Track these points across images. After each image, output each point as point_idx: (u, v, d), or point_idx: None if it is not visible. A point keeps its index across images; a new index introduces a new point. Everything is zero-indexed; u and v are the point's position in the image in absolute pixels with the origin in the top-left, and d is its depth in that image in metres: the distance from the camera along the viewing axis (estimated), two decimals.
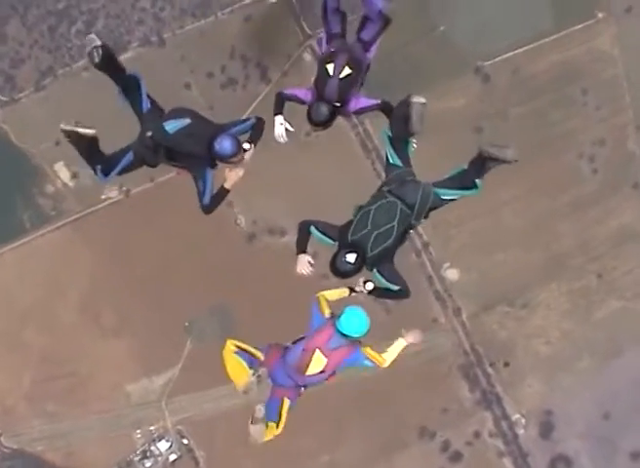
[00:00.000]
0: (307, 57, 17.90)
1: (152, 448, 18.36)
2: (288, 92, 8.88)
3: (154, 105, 8.31)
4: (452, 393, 18.00)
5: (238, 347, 7.70)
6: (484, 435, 18.15)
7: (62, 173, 18.10)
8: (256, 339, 7.80)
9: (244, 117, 8.37)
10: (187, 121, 7.82)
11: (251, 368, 7.54)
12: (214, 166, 7.99)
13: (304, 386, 7.48)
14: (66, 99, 17.88)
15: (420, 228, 17.63)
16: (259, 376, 7.72)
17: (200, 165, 7.92)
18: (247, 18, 17.62)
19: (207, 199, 8.01)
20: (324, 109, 8.14)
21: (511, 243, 17.60)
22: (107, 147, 17.14)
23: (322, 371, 7.16)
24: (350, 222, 7.55)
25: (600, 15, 17.66)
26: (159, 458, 18.32)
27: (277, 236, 17.43)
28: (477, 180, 7.45)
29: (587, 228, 17.88)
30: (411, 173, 7.63)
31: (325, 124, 8.37)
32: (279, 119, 8.85)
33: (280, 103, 8.93)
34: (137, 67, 17.28)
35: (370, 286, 7.81)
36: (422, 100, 7.38)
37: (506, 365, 17.96)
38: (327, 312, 7.43)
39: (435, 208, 7.56)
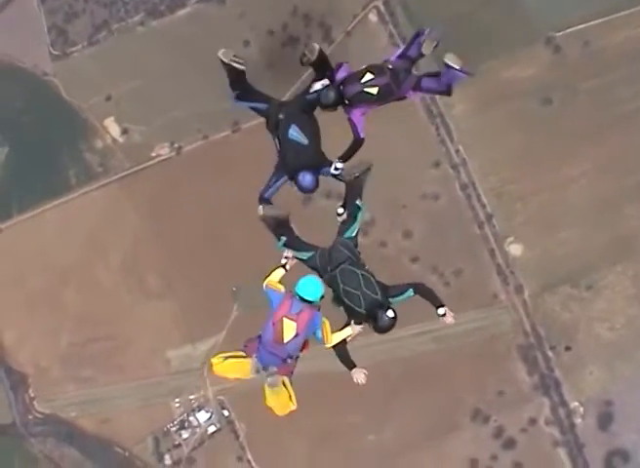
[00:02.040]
0: (373, 18, 17.76)
1: (191, 418, 17.96)
2: (343, 66, 8.81)
3: (316, 100, 8.50)
4: (509, 375, 17.46)
5: (224, 358, 7.57)
6: (540, 422, 17.57)
7: (112, 128, 18.02)
8: None
9: None
10: (306, 142, 8.25)
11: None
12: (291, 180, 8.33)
13: (290, 357, 7.60)
14: (120, 54, 17.95)
15: (484, 199, 17.38)
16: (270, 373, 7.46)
17: (284, 170, 8.31)
18: None
19: (268, 194, 8.26)
20: (332, 95, 8.41)
21: (577, 221, 17.16)
22: (155, 101, 17.24)
23: (296, 335, 7.47)
24: (348, 308, 7.90)
25: None
26: (197, 430, 17.92)
27: (334, 199, 16.79)
28: (358, 202, 8.33)
29: None
30: (324, 249, 8.10)
31: (328, 107, 8.46)
32: (325, 82, 8.75)
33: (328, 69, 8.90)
34: (195, 24, 17.50)
35: (442, 311, 7.83)
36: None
37: (568, 349, 17.38)
38: (282, 289, 7.75)
39: (355, 244, 8.13)
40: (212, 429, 17.79)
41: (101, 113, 17.74)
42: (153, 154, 17.63)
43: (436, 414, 17.38)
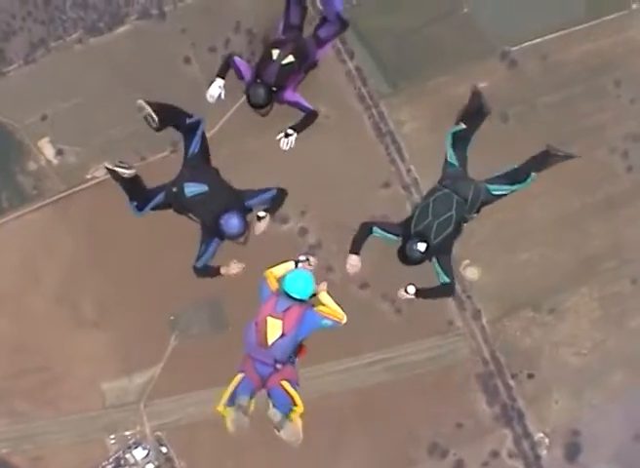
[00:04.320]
0: None
1: (127, 455, 17.02)
2: (237, 61, 9.01)
3: (201, 151, 8.46)
4: (468, 406, 16.69)
5: (228, 397, 7.44)
6: (502, 455, 16.81)
7: (47, 149, 17.35)
8: None
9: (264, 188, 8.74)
10: (205, 188, 8.04)
11: (251, 397, 7.37)
12: (222, 238, 8.18)
13: (277, 362, 7.30)
14: (57, 73, 17.30)
15: None
16: (240, 406, 7.12)
17: (209, 231, 8.15)
18: None
19: (201, 263, 8.26)
20: (261, 91, 8.40)
21: (538, 241, 16.56)
22: (91, 121, 16.56)
23: (283, 335, 7.17)
24: (411, 217, 8.15)
25: (634, 5, 16.92)
26: (134, 467, 16.88)
27: (277, 223, 16.41)
28: (533, 173, 8.22)
29: (621, 229, 16.75)
30: (464, 172, 8.31)
31: (263, 106, 8.54)
32: (219, 82, 8.93)
33: (226, 67, 9.02)
34: (134, 41, 16.90)
35: (412, 289, 8.37)
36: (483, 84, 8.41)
37: (530, 376, 16.69)
38: (275, 286, 7.63)
39: (487, 203, 8.26)
40: (150, 467, 16.93)
41: (36, 134, 17.15)
42: (89, 176, 16.98)
43: (391, 449, 16.54)
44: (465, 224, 8.38)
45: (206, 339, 16.59)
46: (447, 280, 8.22)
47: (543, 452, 16.65)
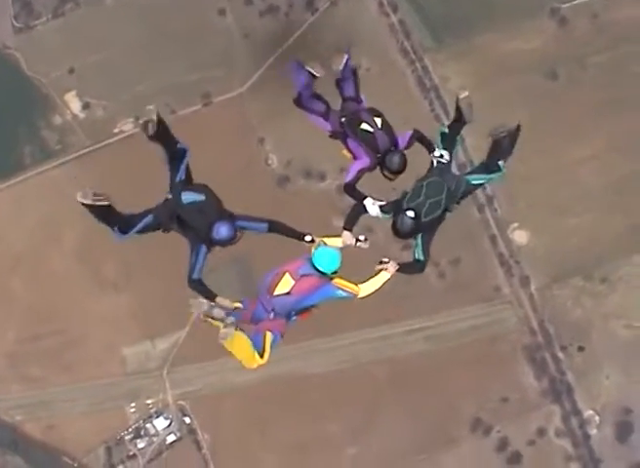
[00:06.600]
0: None
1: (148, 425, 16.02)
2: (352, 177, 8.00)
3: (187, 177, 7.93)
4: (514, 379, 15.68)
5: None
6: (550, 433, 15.70)
7: (73, 103, 16.66)
8: None
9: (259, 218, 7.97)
10: (202, 197, 7.75)
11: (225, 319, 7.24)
12: (210, 247, 7.70)
13: (274, 312, 7.30)
14: (86, 27, 16.61)
15: None
16: (229, 324, 6.90)
17: (198, 239, 7.72)
18: None
19: (197, 274, 7.66)
20: (396, 158, 7.95)
21: (589, 206, 15.65)
22: (120, 74, 15.83)
23: (288, 293, 7.28)
24: (402, 198, 7.65)
25: None
26: (154, 438, 16.00)
27: (314, 180, 15.95)
28: (500, 162, 7.79)
29: None
30: (449, 166, 7.87)
31: (405, 167, 7.91)
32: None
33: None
34: None
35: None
36: (465, 93, 7.86)
37: (580, 349, 15.65)
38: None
39: (468, 192, 7.90)
40: (171, 438, 15.96)
41: (63, 87, 16.50)
42: (116, 130, 16.36)
43: (429, 425, 15.60)
44: (449, 214, 7.89)
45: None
46: (421, 257, 7.70)
47: (593, 431, 15.65)
